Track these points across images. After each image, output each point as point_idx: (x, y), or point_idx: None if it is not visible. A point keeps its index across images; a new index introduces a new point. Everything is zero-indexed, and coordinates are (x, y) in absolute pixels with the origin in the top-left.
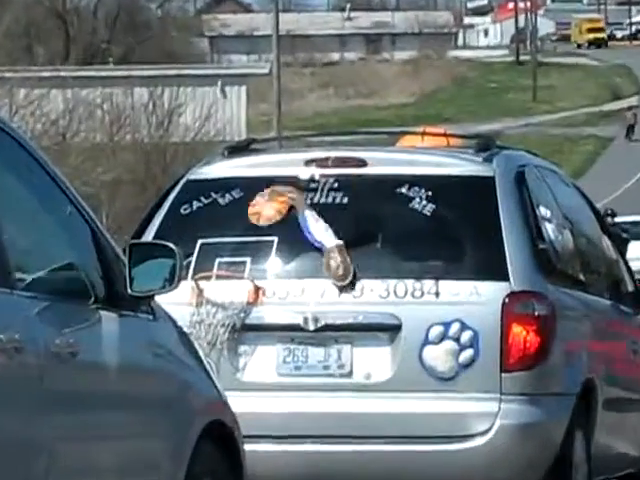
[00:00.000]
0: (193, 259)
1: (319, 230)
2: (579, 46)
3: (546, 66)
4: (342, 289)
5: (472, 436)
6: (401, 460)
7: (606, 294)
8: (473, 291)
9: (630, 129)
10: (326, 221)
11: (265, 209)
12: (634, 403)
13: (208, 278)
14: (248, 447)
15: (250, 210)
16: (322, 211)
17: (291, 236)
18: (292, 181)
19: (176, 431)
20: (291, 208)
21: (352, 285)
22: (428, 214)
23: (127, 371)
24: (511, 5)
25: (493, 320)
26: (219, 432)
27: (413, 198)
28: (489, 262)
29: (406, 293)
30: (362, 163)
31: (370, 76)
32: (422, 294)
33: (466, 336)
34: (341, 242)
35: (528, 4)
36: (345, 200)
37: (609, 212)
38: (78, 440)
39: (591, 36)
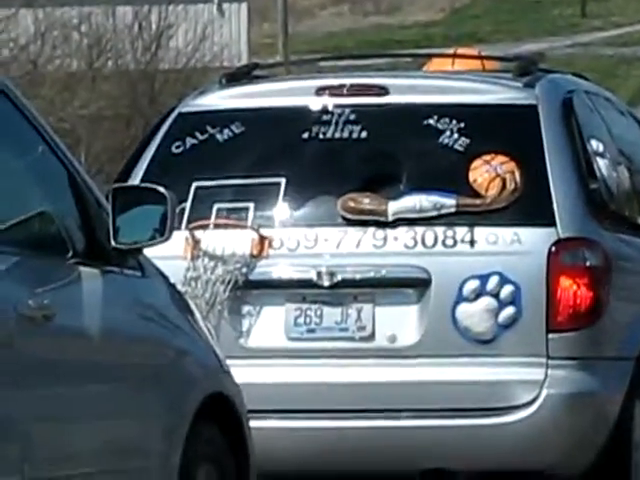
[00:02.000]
0: (187, 205)
1: None
2: None
3: None
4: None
5: (513, 408)
6: (431, 437)
7: None
8: (514, 239)
9: None
10: (341, 159)
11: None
12: None
13: (205, 227)
14: (254, 424)
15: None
16: (336, 148)
17: (302, 176)
18: (301, 112)
19: (169, 407)
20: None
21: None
22: (460, 150)
23: (111, 337)
24: None
25: (538, 272)
26: (220, 407)
27: (443, 131)
28: (532, 205)
29: (436, 242)
30: (383, 91)
31: None
32: (455, 243)
33: (506, 291)
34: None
35: None
36: (363, 135)
37: None
38: (55, 419)
39: None
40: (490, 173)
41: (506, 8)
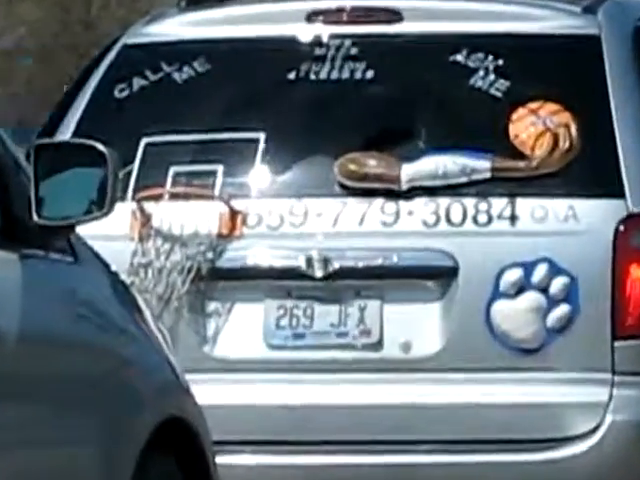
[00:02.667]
0: (134, 168)
1: None
2: None
3: None
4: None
5: (569, 440)
6: (460, 478)
7: None
8: (568, 214)
9: None
10: (338, 108)
11: None
12: None
13: (158, 198)
14: (222, 459)
15: None
16: (332, 93)
17: (287, 130)
18: (286, 44)
19: (108, 436)
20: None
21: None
22: (498, 95)
23: (30, 342)
24: None
25: (600, 258)
26: (176, 436)
27: (475, 70)
28: (593, 169)
29: (465, 218)
30: (395, 17)
31: None
32: (489, 220)
33: (558, 284)
34: None
35: None
36: (368, 75)
37: None
38: None
39: None
40: (537, 127)
41: None
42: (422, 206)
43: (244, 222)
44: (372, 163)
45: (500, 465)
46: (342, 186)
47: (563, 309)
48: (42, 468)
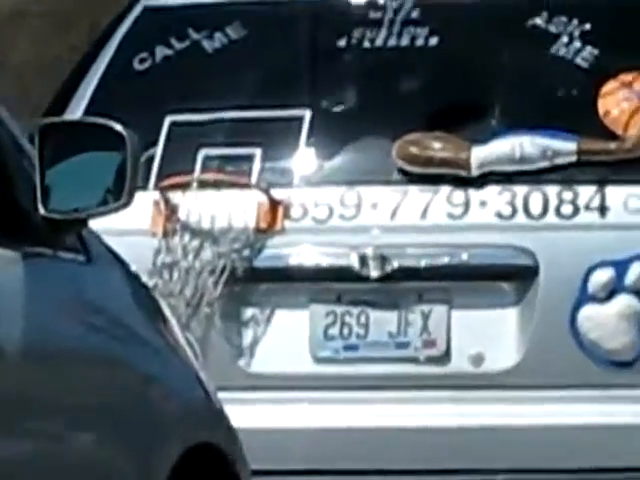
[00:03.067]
0: (158, 151)
1: None
2: None
3: None
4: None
5: None
6: None
7: None
8: None
9: None
10: (397, 81)
11: None
12: None
13: (185, 186)
14: None
15: None
16: (390, 63)
17: (336, 108)
18: (335, 6)
19: (128, 466)
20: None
21: None
22: (584, 66)
23: (34, 357)
24: None
25: None
26: (208, 465)
27: (558, 36)
28: None
29: (547, 210)
30: None
31: None
32: (576, 211)
33: None
34: None
35: None
36: (432, 42)
37: None
38: None
39: None
40: (631, 102)
41: None
42: (496, 195)
43: (286, 214)
44: (437, 145)
45: None
46: (402, 172)
47: None
48: None
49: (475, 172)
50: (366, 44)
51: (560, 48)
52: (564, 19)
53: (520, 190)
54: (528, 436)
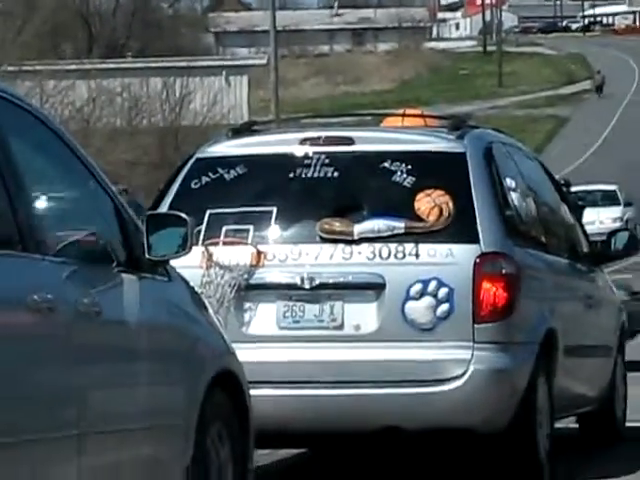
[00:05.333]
0: (203, 227)
1: None
2: None
3: (510, 55)
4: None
5: (448, 380)
6: (386, 401)
7: (565, 254)
8: (448, 253)
9: (599, 88)
10: (318, 193)
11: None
12: (589, 350)
13: (216, 244)
14: (253, 392)
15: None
16: (315, 184)
17: (289, 205)
18: (289, 157)
19: (189, 379)
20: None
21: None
22: (408, 186)
23: (145, 327)
24: (479, 1)
25: (466, 278)
26: (227, 379)
27: (395, 172)
28: (462, 227)
29: (390, 255)
30: (350, 141)
31: (356, 66)
32: (404, 256)
33: (442, 292)
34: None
35: (494, 0)
36: (335, 174)
37: (564, 182)
38: (104, 388)
39: None
40: (430, 203)
41: (442, 80)
42: (366, 248)
43: (265, 257)
44: (337, 224)
45: (410, 394)
46: (320, 237)
47: (445, 306)
48: (156, 396)
49: (356, 237)
50: (303, 175)
51: (397, 177)
52: (398, 164)
53: (377, 246)
54: (382, 364)
